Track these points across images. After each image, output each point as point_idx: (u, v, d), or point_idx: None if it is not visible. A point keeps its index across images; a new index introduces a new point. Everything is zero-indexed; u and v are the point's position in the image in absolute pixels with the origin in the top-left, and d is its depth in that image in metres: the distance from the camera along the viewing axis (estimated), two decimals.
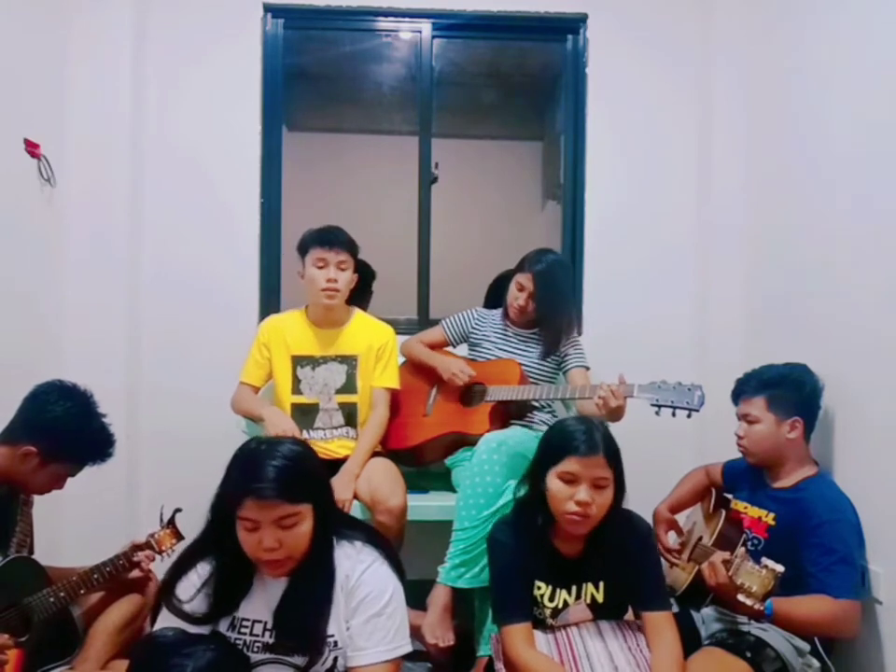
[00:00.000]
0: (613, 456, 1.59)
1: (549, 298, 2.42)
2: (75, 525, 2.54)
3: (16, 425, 1.71)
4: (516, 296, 2.44)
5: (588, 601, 1.66)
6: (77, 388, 1.76)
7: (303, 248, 2.33)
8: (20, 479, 1.70)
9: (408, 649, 1.45)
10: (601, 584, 1.66)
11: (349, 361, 2.37)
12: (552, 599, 1.66)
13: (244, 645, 1.42)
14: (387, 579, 1.45)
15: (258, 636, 1.42)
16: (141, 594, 1.82)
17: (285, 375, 2.35)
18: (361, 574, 1.43)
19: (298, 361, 2.36)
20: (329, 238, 2.30)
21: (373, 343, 2.37)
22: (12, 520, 1.72)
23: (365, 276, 2.74)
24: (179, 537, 1.88)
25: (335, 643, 1.41)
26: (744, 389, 1.96)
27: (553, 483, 1.59)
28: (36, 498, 1.80)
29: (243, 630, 1.43)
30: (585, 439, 1.57)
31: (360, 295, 2.64)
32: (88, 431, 1.73)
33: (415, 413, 2.49)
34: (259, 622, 1.43)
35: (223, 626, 1.43)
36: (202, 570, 1.45)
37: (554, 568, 1.65)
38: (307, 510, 1.39)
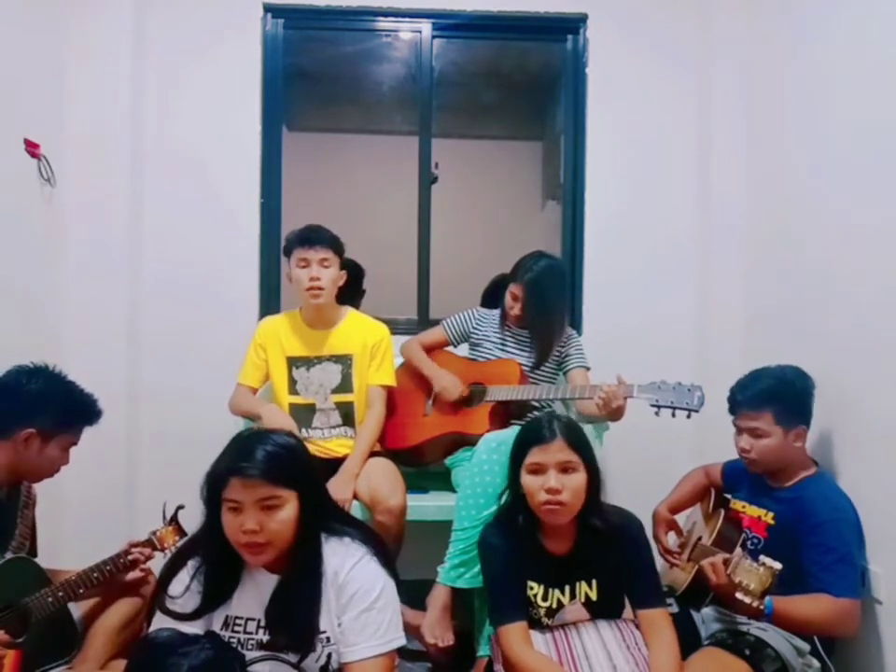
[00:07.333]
0: (576, 440, 1.61)
1: (539, 308, 2.40)
2: (75, 525, 2.54)
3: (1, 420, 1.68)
4: (511, 305, 2.45)
5: (582, 600, 1.66)
6: (36, 364, 1.74)
7: (288, 250, 2.34)
8: (28, 466, 1.69)
9: (401, 642, 1.45)
10: (594, 582, 1.66)
11: (344, 361, 2.36)
12: (545, 599, 1.65)
13: (238, 643, 1.42)
14: (377, 573, 1.44)
15: (251, 633, 1.42)
16: (140, 594, 1.81)
17: (281, 376, 2.36)
18: (350, 570, 1.42)
19: (293, 362, 2.36)
20: (309, 237, 2.30)
21: (367, 341, 2.37)
22: (11, 522, 1.71)
23: (354, 274, 2.73)
24: (182, 533, 1.85)
25: (327, 639, 1.41)
26: (743, 402, 1.88)
27: (526, 479, 1.61)
28: (36, 499, 1.80)
29: (236, 628, 1.43)
30: (543, 427, 1.62)
31: (352, 294, 2.64)
32: (71, 393, 1.74)
33: (415, 412, 2.48)
34: (253, 619, 1.43)
35: (217, 625, 1.43)
36: (191, 567, 1.46)
37: (545, 568, 1.65)
38: (291, 496, 1.39)
